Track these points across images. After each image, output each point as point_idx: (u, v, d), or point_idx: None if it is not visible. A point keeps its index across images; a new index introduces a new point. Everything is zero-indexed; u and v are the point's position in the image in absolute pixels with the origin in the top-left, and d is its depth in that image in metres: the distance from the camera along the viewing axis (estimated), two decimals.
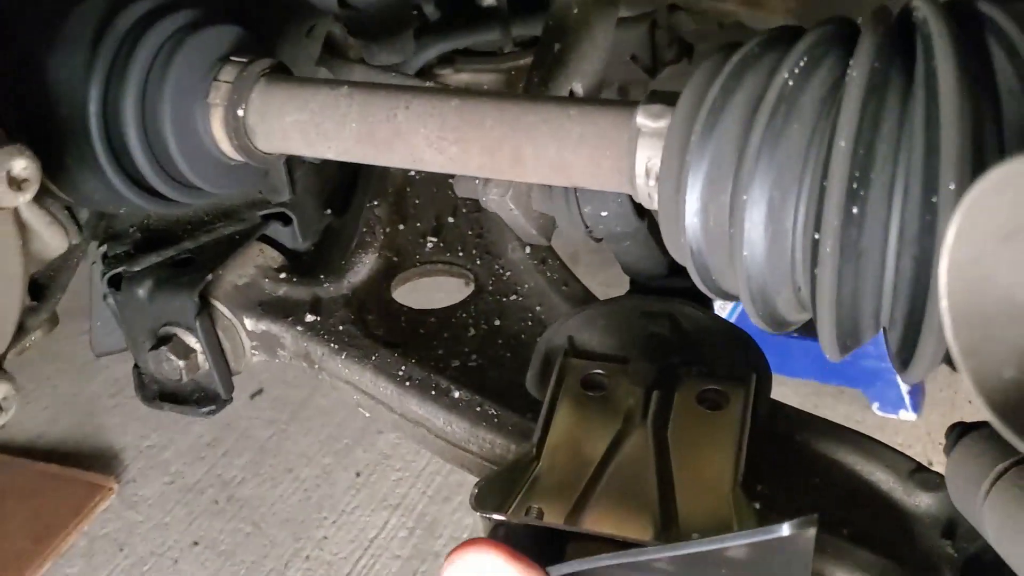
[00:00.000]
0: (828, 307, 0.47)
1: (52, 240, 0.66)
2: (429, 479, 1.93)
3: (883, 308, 0.48)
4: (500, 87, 1.26)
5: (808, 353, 1.92)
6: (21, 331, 0.78)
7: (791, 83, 0.48)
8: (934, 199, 0.44)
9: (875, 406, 1.98)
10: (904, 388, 1.94)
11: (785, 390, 1.96)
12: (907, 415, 1.96)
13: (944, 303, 0.38)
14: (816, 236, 0.46)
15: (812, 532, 0.44)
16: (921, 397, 2.01)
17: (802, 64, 0.49)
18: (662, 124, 0.55)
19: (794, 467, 0.72)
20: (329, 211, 1.03)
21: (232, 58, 0.72)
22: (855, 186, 0.45)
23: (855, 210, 0.45)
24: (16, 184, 0.60)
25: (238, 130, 0.71)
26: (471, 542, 0.48)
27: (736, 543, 0.46)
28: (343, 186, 1.06)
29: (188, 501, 1.99)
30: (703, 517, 0.61)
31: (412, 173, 1.07)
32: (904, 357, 0.48)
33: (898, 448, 0.73)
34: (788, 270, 0.50)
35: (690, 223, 0.52)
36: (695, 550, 0.47)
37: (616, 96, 1.55)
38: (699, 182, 0.51)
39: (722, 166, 0.50)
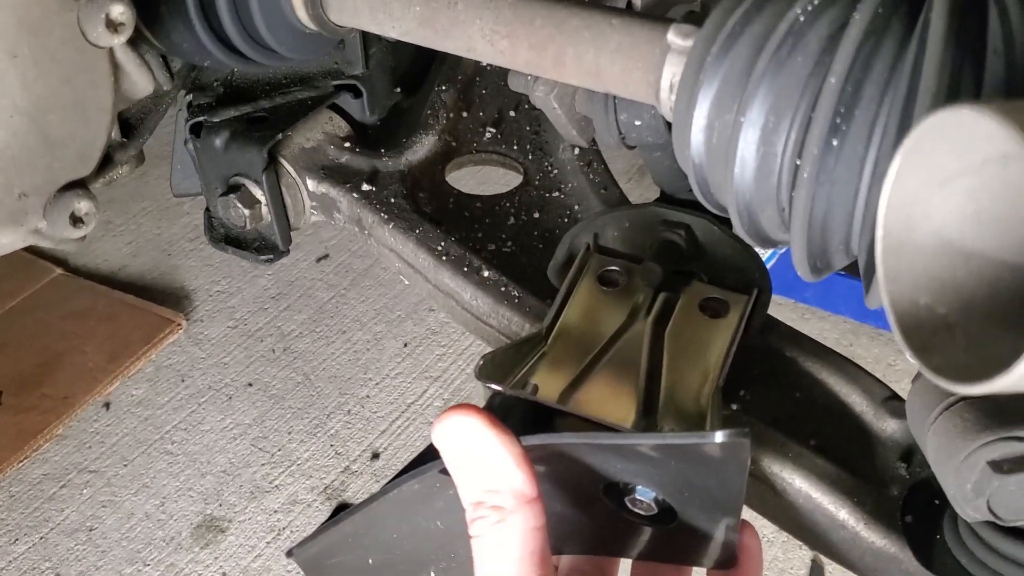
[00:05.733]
0: (800, 228, 0.52)
1: (140, 81, 0.73)
2: (470, 358, 2.02)
3: (853, 237, 0.53)
4: None
5: (852, 292, 1.92)
6: (110, 163, 0.86)
7: (802, 18, 0.52)
8: None
9: (909, 353, 1.97)
10: None
11: (824, 324, 1.99)
12: None
13: (880, 232, 0.43)
14: (798, 162, 0.51)
15: (745, 442, 0.47)
16: None
17: (816, 2, 0.52)
18: (688, 43, 0.59)
19: (779, 379, 0.77)
20: (399, 90, 1.08)
21: None
22: (838, 120, 0.49)
23: (835, 142, 0.50)
24: (113, 27, 0.67)
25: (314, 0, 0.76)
26: (457, 407, 0.52)
27: (675, 442, 0.50)
28: (416, 68, 1.10)
29: (248, 346, 2.12)
30: (680, 413, 0.66)
31: (484, 64, 1.11)
32: (866, 283, 0.53)
33: None
34: (774, 190, 0.54)
35: (695, 138, 0.57)
36: (631, 442, 0.52)
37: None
38: (708, 100, 0.56)
39: (730, 88, 0.55)
